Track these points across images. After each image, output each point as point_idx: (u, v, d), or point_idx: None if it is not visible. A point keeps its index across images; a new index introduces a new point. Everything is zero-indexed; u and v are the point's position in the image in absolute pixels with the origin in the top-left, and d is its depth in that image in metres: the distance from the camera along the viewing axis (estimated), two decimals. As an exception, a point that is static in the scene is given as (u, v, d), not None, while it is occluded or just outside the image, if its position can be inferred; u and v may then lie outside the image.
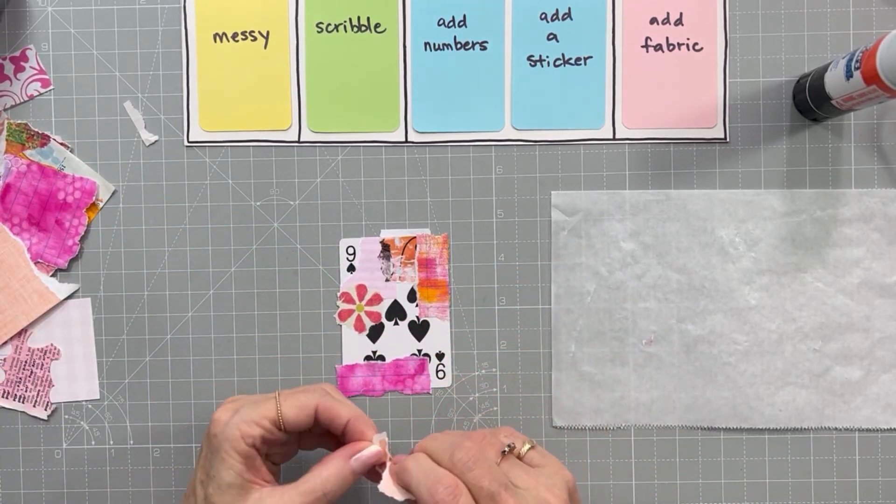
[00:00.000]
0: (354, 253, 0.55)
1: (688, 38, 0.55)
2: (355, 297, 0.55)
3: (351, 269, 0.55)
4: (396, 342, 0.55)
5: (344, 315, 0.55)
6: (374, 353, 0.55)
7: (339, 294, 0.55)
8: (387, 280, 0.55)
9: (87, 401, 0.55)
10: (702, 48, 0.55)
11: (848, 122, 0.54)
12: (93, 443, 0.55)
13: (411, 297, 0.55)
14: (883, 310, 0.54)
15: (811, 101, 0.52)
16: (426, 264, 0.55)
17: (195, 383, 0.55)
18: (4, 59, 0.55)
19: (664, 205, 0.54)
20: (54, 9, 0.55)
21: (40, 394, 0.55)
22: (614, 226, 0.54)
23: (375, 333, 0.55)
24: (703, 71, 0.54)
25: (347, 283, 0.55)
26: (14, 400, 0.55)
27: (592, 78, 0.55)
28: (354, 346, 0.55)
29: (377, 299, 0.55)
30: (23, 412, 0.55)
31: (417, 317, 0.55)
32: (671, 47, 0.55)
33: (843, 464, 0.54)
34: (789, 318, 0.54)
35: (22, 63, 0.55)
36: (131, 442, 0.55)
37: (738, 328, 0.54)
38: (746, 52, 0.54)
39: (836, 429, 0.54)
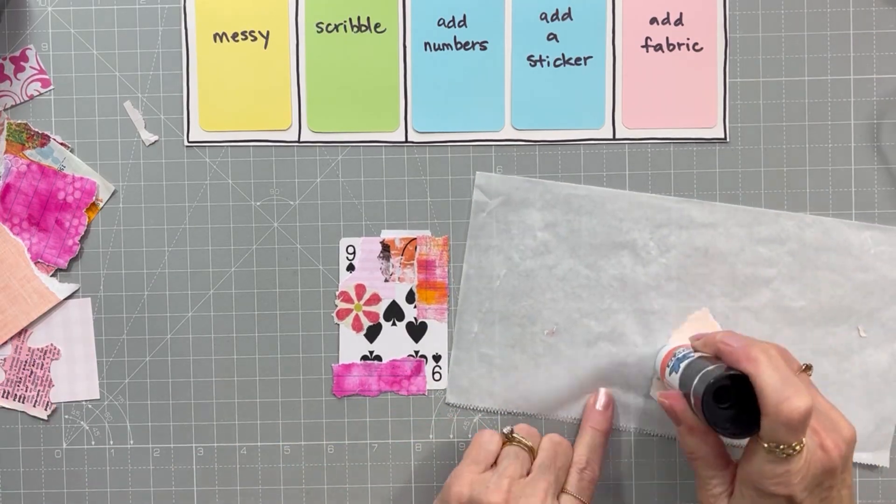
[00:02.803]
0: (354, 252, 0.55)
1: (688, 38, 0.54)
2: (354, 297, 0.55)
3: (350, 268, 0.55)
4: (394, 343, 0.55)
5: (342, 314, 0.55)
6: (371, 353, 0.55)
7: (337, 293, 0.55)
8: (386, 280, 0.55)
9: (87, 401, 0.55)
10: (702, 48, 0.54)
11: (847, 122, 0.54)
12: (93, 443, 0.55)
13: (410, 298, 0.55)
14: (786, 334, 0.53)
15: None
16: (426, 266, 0.55)
17: (195, 383, 0.55)
18: (4, 59, 0.55)
19: (584, 200, 0.54)
20: (54, 9, 0.55)
21: (40, 394, 0.55)
22: (532, 214, 0.54)
23: (373, 333, 0.55)
24: (703, 71, 0.54)
25: (346, 282, 0.55)
26: (14, 400, 0.55)
27: (592, 78, 0.55)
28: (351, 346, 0.55)
29: (376, 299, 0.55)
30: (23, 412, 0.55)
31: (415, 318, 0.55)
32: (671, 47, 0.54)
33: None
34: None
35: (22, 63, 0.55)
36: (131, 442, 0.55)
37: (638, 331, 0.54)
38: (746, 52, 0.54)
39: None
